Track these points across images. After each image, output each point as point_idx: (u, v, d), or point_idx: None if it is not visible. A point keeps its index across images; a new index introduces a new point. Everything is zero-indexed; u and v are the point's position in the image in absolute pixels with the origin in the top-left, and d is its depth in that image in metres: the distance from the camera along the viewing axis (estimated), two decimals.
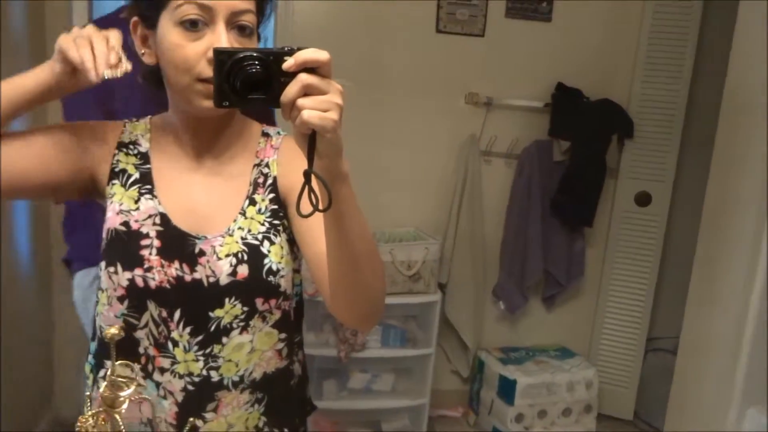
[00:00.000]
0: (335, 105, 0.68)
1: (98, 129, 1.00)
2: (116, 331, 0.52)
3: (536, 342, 3.12)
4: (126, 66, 0.84)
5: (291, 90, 0.67)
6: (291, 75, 0.67)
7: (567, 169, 2.87)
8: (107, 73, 0.82)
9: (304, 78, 0.67)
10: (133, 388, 0.51)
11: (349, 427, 2.67)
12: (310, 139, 0.69)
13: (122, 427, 0.49)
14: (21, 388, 2.38)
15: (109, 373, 0.51)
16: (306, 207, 0.70)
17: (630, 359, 3.09)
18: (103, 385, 0.51)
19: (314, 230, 0.88)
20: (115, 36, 0.86)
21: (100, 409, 0.50)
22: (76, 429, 0.52)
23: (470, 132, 2.87)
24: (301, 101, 0.67)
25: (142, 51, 0.93)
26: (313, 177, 0.70)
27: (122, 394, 0.51)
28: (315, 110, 0.67)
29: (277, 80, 0.68)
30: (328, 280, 0.86)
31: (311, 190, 0.70)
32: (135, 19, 0.92)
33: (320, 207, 0.70)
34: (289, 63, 0.67)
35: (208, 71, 0.85)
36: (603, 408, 3.01)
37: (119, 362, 0.52)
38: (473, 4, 2.78)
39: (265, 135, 1.03)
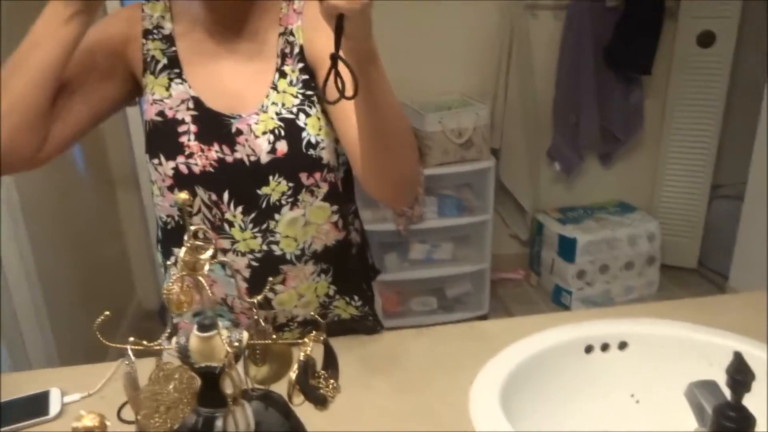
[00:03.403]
0: None
1: (120, 25, 0.96)
2: (186, 196, 0.51)
3: (594, 200, 3.07)
4: None
5: None
6: None
7: (622, 13, 2.67)
8: None
9: None
10: (211, 250, 0.51)
11: (413, 296, 2.76)
12: (338, 22, 0.64)
13: (207, 288, 0.50)
14: (105, 284, 2.53)
15: (186, 238, 0.52)
16: (332, 92, 0.66)
17: (693, 208, 3.02)
18: (183, 250, 0.51)
19: (345, 107, 0.84)
20: None
21: (183, 273, 0.51)
22: (163, 297, 0.53)
23: None
24: None
25: None
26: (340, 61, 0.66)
27: (202, 257, 0.51)
28: None
29: None
30: (360, 157, 0.85)
31: (338, 74, 0.66)
32: None
33: (346, 93, 0.66)
34: None
35: None
36: (666, 259, 3.00)
37: (194, 227, 0.51)
38: None
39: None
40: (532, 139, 2.82)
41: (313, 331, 0.55)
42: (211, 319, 0.51)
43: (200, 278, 0.50)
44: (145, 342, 0.52)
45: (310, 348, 0.53)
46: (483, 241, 2.71)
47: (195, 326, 0.51)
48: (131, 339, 0.52)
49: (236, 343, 0.52)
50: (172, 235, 1.00)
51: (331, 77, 0.66)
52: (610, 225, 2.81)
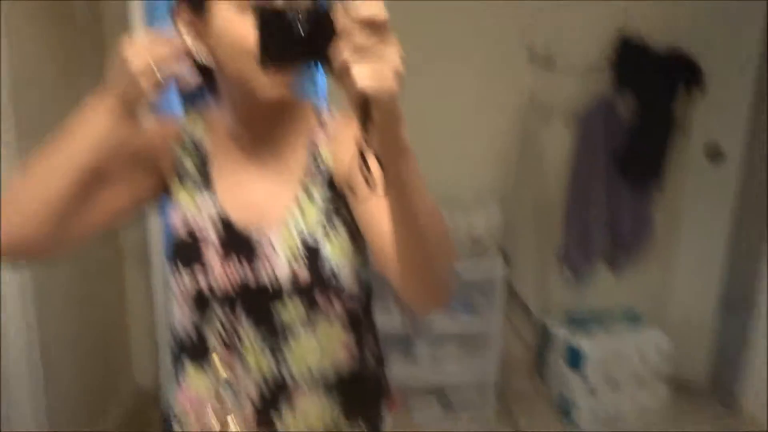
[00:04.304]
0: (393, 69, 0.59)
1: (159, 134, 0.97)
2: (226, 375, 0.49)
3: (604, 305, 3.02)
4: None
5: (342, 53, 0.58)
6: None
7: (633, 126, 2.73)
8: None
9: (357, 40, 0.57)
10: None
11: (416, 397, 2.67)
12: (363, 107, 0.60)
13: None
14: (100, 359, 2.47)
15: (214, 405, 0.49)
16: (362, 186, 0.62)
17: (704, 322, 2.96)
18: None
19: (374, 210, 0.82)
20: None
21: None
22: None
23: (528, 92, 2.76)
24: (354, 68, 0.58)
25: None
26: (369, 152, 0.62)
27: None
28: (369, 77, 0.58)
29: (328, 40, 0.59)
30: (396, 261, 0.78)
31: (366, 166, 0.62)
32: (179, 5, 0.84)
33: (374, 188, 0.63)
34: (340, 22, 0.58)
35: None
36: (676, 373, 2.91)
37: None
38: None
39: (316, 113, 0.97)
40: (542, 242, 2.82)
41: None
42: None
43: None
44: None
45: None
46: (490, 344, 2.65)
47: None
48: None
49: None
50: (185, 351, 0.98)
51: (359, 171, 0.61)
52: (620, 336, 2.75)
